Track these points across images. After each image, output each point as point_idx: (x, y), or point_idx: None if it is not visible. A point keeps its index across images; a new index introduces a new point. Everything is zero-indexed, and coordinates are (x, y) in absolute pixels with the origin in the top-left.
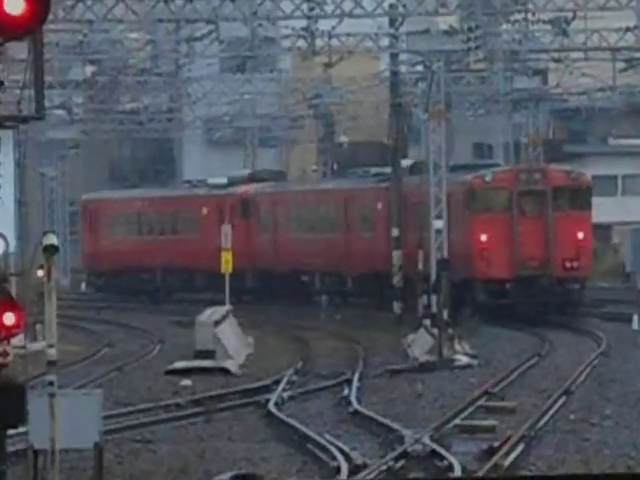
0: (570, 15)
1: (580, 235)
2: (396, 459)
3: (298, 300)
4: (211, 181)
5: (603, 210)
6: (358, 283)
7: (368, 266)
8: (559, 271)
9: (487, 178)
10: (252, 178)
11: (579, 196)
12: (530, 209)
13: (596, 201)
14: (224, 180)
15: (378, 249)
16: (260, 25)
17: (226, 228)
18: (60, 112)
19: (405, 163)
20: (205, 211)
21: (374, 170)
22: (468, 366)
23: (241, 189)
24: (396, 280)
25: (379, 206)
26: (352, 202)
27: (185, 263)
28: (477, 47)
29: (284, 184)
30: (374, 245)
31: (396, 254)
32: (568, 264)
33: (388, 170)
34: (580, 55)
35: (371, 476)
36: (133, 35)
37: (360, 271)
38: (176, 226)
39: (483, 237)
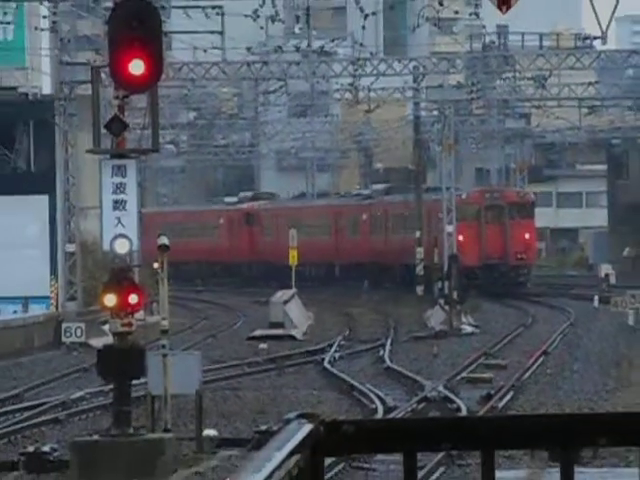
0: (547, 73)
1: (527, 235)
2: (418, 402)
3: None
4: (227, 200)
5: (572, 218)
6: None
7: (355, 259)
8: (512, 260)
9: (463, 196)
10: (255, 197)
11: (525, 209)
12: (492, 218)
13: (567, 211)
14: (235, 199)
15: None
16: (317, 82)
17: (292, 232)
18: (170, 146)
19: (380, 187)
20: (221, 220)
21: (355, 192)
22: (472, 334)
23: (246, 205)
24: (418, 269)
25: (364, 217)
26: (342, 215)
27: (206, 257)
28: (478, 97)
29: (277, 202)
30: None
31: (418, 250)
32: (519, 255)
33: (366, 191)
34: (554, 103)
35: (401, 414)
36: (224, 89)
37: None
38: (202, 230)
39: (460, 237)
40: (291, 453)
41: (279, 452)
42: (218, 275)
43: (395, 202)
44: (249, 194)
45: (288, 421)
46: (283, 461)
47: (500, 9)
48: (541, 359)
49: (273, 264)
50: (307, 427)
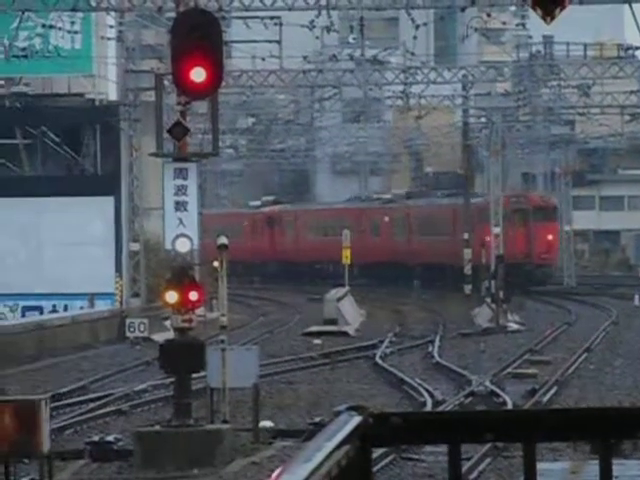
0: (591, 82)
1: (550, 237)
2: (465, 396)
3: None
4: (251, 203)
5: (614, 221)
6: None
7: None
8: (537, 260)
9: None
10: (275, 201)
11: (549, 212)
12: (518, 220)
13: (609, 214)
14: (258, 203)
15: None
16: (370, 89)
17: (345, 232)
18: (230, 151)
19: (400, 191)
20: (245, 222)
21: (376, 196)
22: (517, 331)
23: (267, 209)
24: (466, 269)
25: (386, 219)
26: (366, 217)
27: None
28: (524, 105)
29: (297, 205)
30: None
31: (466, 251)
32: (542, 255)
33: (387, 196)
34: (598, 110)
35: (449, 407)
36: (281, 96)
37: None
38: (231, 232)
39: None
40: (340, 444)
41: (329, 443)
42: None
43: (418, 205)
44: (271, 198)
45: (338, 413)
46: (332, 451)
47: (544, 20)
48: (584, 356)
49: (292, 262)
50: (356, 419)
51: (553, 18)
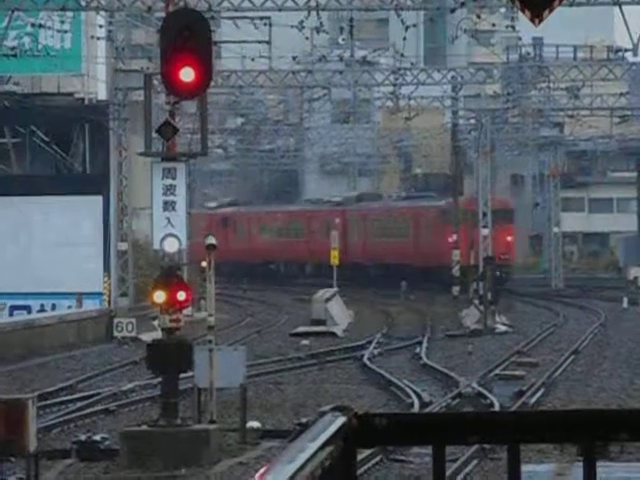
0: (580, 84)
1: (509, 238)
2: (453, 398)
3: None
4: (208, 205)
5: (603, 223)
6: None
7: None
8: (497, 260)
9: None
10: (232, 203)
11: (507, 215)
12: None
13: (598, 216)
14: (214, 204)
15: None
16: (360, 90)
17: (334, 233)
18: (219, 151)
19: (351, 194)
20: (203, 223)
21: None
22: (505, 332)
23: (223, 210)
24: (454, 270)
25: (337, 221)
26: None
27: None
28: (514, 106)
29: (252, 207)
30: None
31: (455, 252)
32: (502, 256)
33: (338, 199)
34: (587, 112)
35: (435, 409)
36: (270, 96)
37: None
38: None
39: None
40: (324, 444)
41: (312, 443)
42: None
43: (371, 208)
44: (227, 199)
45: (322, 414)
46: (316, 452)
47: (533, 22)
48: (571, 358)
49: (245, 263)
50: (340, 420)
51: (542, 20)
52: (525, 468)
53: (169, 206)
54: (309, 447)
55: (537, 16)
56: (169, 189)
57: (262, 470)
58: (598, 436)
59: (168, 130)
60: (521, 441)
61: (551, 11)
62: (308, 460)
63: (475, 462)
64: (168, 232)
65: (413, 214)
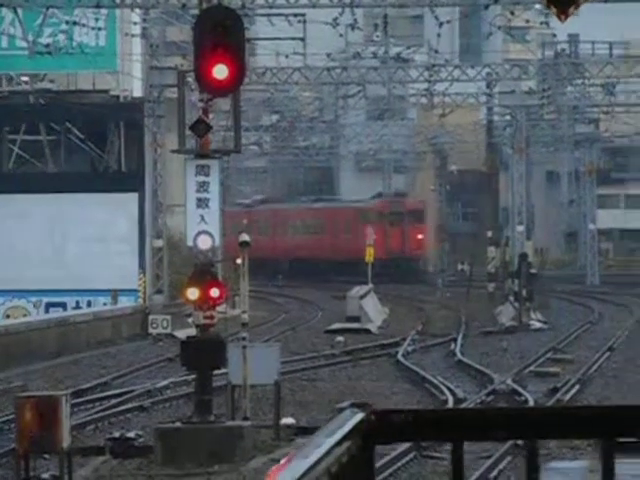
0: (615, 80)
1: (420, 236)
2: (487, 395)
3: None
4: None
5: (639, 219)
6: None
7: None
8: (409, 255)
9: (371, 204)
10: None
11: (419, 215)
12: (395, 221)
13: (635, 213)
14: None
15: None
16: (394, 87)
17: (370, 230)
18: (254, 147)
19: (258, 197)
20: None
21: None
22: (540, 329)
23: None
24: (490, 267)
25: (244, 222)
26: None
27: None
28: (549, 103)
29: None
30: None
31: (490, 249)
32: (414, 252)
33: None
34: (622, 109)
35: (470, 405)
36: (305, 94)
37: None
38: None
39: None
40: (341, 440)
41: (329, 439)
42: None
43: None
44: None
45: (341, 410)
46: (332, 448)
47: (559, 18)
48: (607, 354)
49: None
50: (358, 416)
51: (567, 16)
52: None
53: (202, 203)
54: (325, 443)
55: (563, 12)
56: (202, 186)
57: (278, 465)
58: (616, 432)
59: (201, 127)
60: (542, 437)
61: (577, 7)
62: (324, 456)
63: (509, 458)
64: (201, 229)
65: (329, 214)
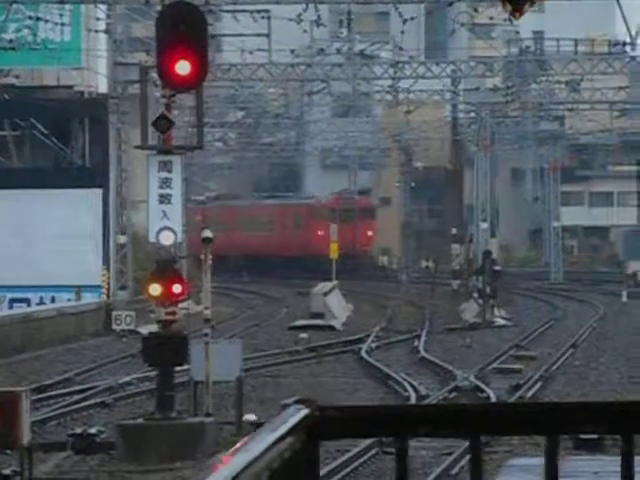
0: (580, 78)
1: (369, 233)
2: (450, 391)
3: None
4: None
5: (603, 216)
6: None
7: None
8: (359, 250)
9: (323, 201)
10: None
11: (369, 212)
12: (347, 218)
13: (599, 210)
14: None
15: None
16: (359, 84)
17: (333, 227)
18: (219, 144)
19: (211, 194)
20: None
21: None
22: (503, 326)
23: None
24: (454, 264)
25: (198, 218)
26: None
27: None
28: (513, 100)
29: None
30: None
31: (454, 246)
32: (363, 247)
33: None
34: (587, 106)
35: (433, 402)
36: (271, 90)
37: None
38: None
39: (320, 232)
40: (284, 436)
41: (271, 435)
42: None
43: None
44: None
45: (285, 406)
46: (275, 443)
47: (513, 16)
48: (569, 351)
49: None
50: (303, 412)
51: (522, 14)
52: (519, 461)
53: (165, 199)
54: (267, 438)
55: (517, 10)
56: (165, 182)
57: (218, 460)
58: (563, 430)
59: (163, 123)
60: (487, 433)
61: (532, 4)
62: (266, 451)
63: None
64: (164, 225)
65: (280, 211)
